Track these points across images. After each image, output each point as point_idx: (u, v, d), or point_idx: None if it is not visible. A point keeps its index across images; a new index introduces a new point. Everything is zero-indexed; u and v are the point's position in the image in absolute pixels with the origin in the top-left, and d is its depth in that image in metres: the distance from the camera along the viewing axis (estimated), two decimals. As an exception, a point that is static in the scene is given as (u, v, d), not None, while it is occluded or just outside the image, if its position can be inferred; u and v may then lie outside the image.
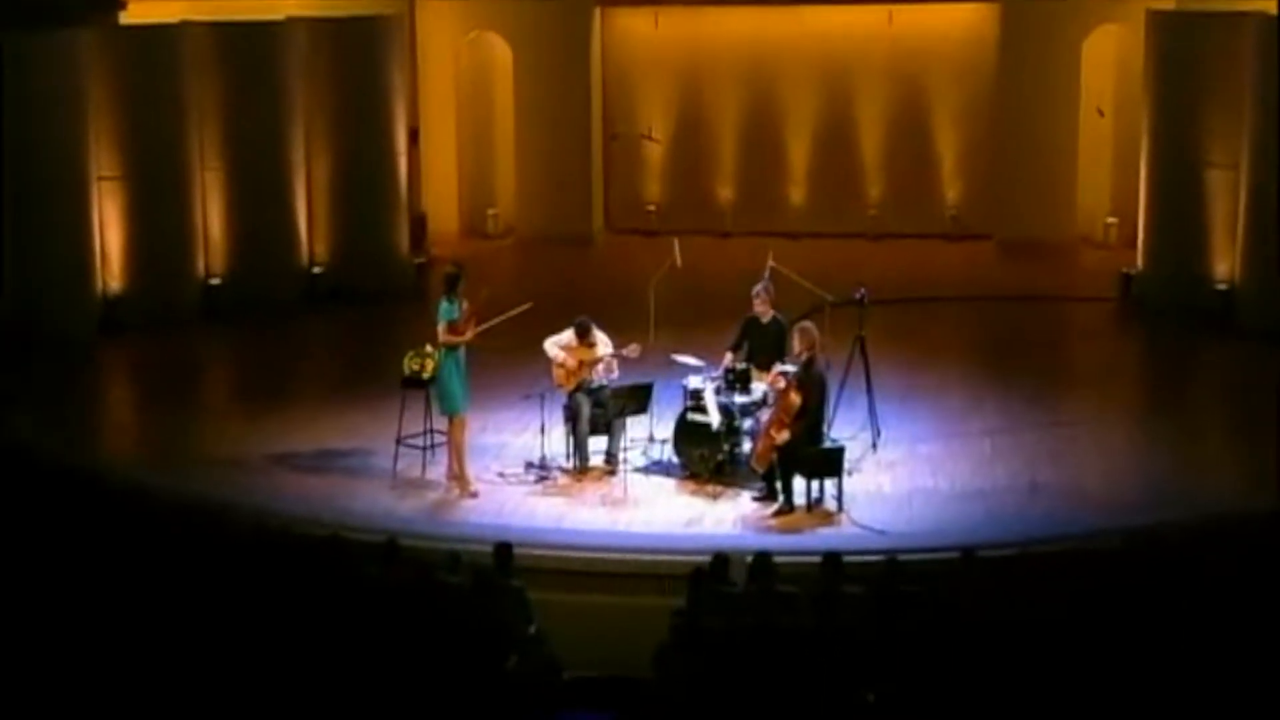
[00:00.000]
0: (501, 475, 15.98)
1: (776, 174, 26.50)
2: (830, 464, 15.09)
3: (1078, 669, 10.71)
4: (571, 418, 16.00)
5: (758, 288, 16.17)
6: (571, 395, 16.00)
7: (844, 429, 16.36)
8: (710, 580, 12.12)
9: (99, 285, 21.14)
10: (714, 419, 15.46)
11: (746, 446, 15.67)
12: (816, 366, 15.11)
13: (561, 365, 16.04)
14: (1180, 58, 21.52)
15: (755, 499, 15.24)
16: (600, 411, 15.96)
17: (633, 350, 15.98)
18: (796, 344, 15.20)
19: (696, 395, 15.75)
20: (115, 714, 10.64)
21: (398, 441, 16.13)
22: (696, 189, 26.69)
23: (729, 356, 16.06)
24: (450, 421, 15.56)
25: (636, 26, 26.58)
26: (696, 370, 16.10)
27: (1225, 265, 21.10)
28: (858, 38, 25.99)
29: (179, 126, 21.61)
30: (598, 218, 26.54)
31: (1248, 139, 20.51)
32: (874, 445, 16.45)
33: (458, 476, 15.59)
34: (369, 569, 12.40)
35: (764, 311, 16.10)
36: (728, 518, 14.97)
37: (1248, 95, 20.46)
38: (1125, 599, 11.73)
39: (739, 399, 15.73)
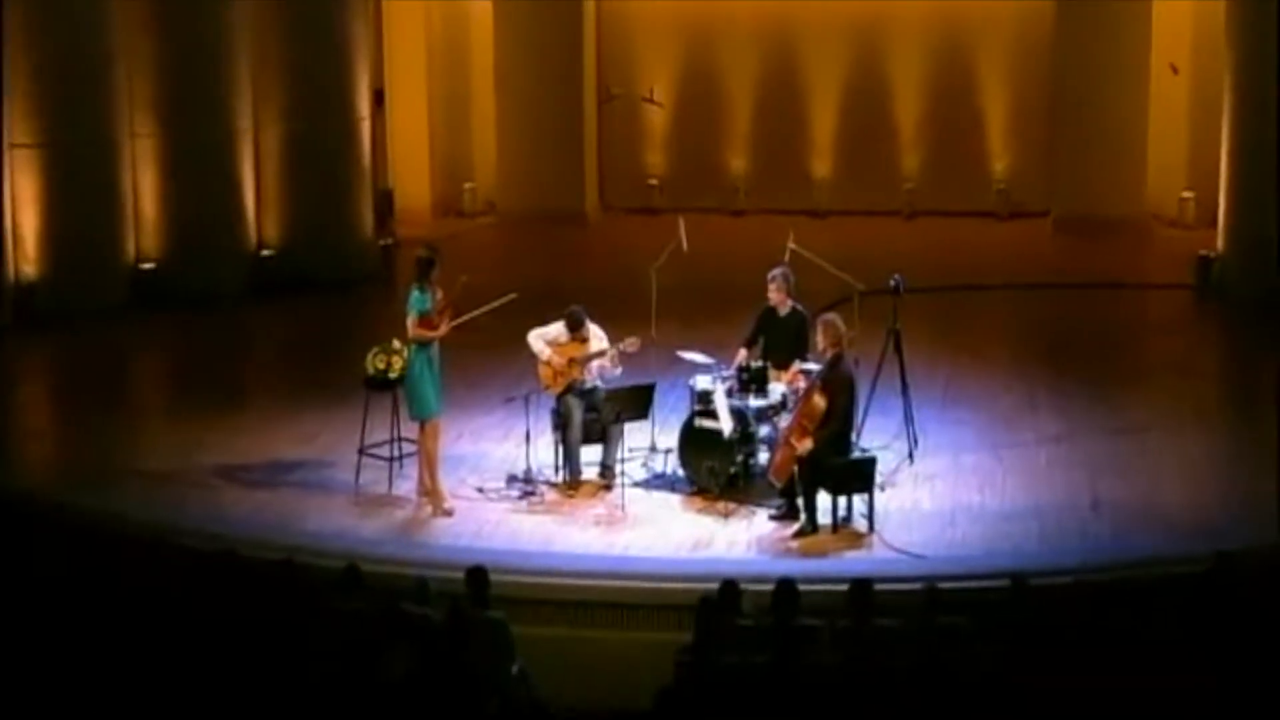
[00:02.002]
0: (480, 490, 16.03)
1: (798, 143, 26.53)
2: (860, 477, 15.14)
3: (1147, 717, 10.76)
4: (561, 424, 16.04)
5: (775, 273, 16.21)
6: (561, 398, 16.05)
7: (876, 437, 16.41)
8: (720, 612, 12.17)
9: (11, 270, 21.17)
10: (725, 425, 15.50)
11: (763, 457, 15.72)
12: (843, 365, 15.14)
13: (549, 363, 16.08)
14: (1269, 6, 21.52)
15: (773, 518, 15.28)
16: (594, 417, 16.00)
17: (631, 345, 16.02)
18: (820, 339, 15.24)
19: (705, 398, 15.79)
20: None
21: (360, 451, 16.18)
22: (705, 160, 26.72)
23: (742, 353, 16.11)
24: (421, 428, 15.60)
25: (636, -29, 26.68)
26: (705, 369, 16.15)
27: (1320, 247, 21.16)
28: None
29: (104, 86, 21.63)
30: (591, 194, 26.58)
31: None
32: (910, 456, 16.50)
33: (430, 491, 15.64)
34: (327, 598, 12.44)
35: (782, 301, 16.14)
36: (741, 539, 15.01)
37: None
38: (1204, 636, 11.76)
39: (754, 402, 15.77)
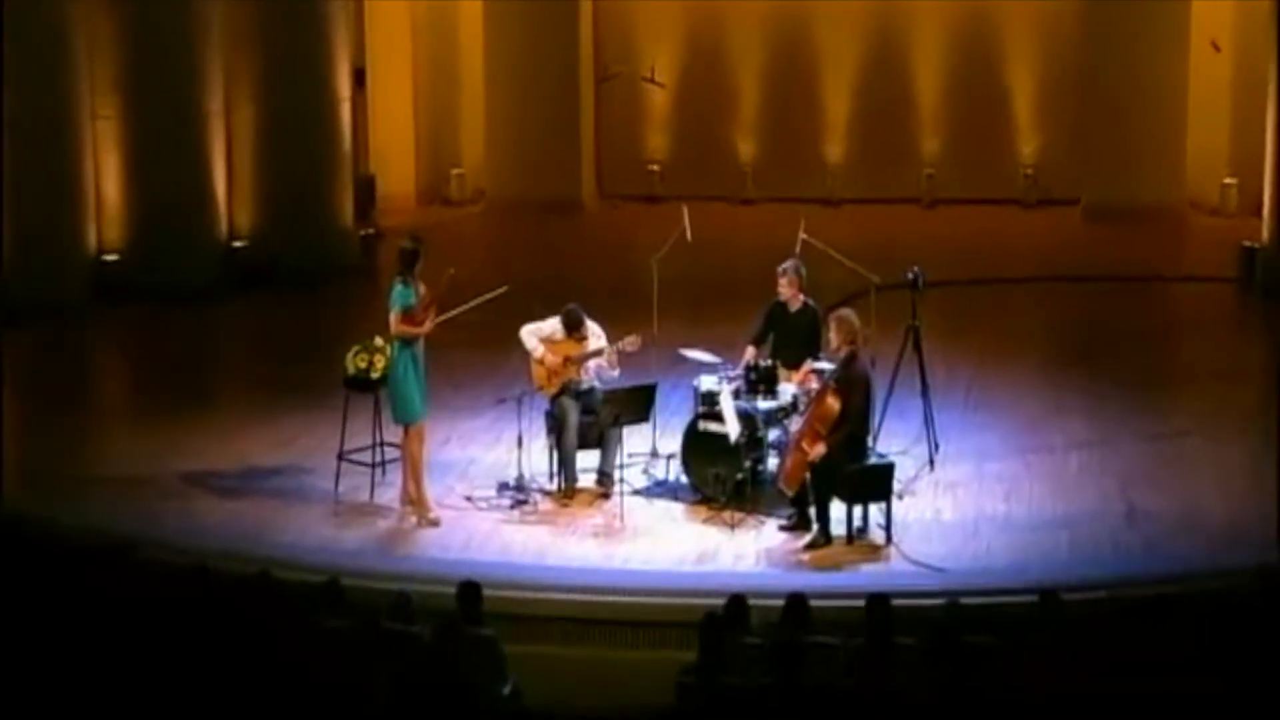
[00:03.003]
0: (469, 499, 16.08)
1: (810, 125, 26.59)
2: (876, 485, 15.19)
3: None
4: (556, 428, 16.09)
5: (785, 266, 16.26)
6: (555, 400, 16.09)
7: (893, 441, 16.48)
8: (726, 629, 12.22)
9: (-35, 263, 21.27)
10: (732, 429, 15.55)
11: (772, 463, 15.78)
12: (858, 364, 15.20)
13: (543, 362, 16.13)
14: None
15: (783, 528, 15.34)
16: (591, 420, 16.04)
17: (631, 343, 16.07)
18: (834, 336, 15.29)
19: (710, 399, 15.85)
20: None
21: (340, 457, 16.23)
22: (710, 144, 26.78)
23: (750, 352, 16.16)
24: (405, 432, 15.65)
25: (636, -59, 26.74)
26: (710, 368, 16.21)
27: (1373, 238, 21.23)
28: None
29: (64, 65, 21.65)
30: (588, 180, 26.64)
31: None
32: (930, 462, 16.56)
33: (414, 500, 15.69)
34: (306, 615, 12.50)
35: (793, 296, 16.20)
36: (749, 551, 15.05)
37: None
38: (1247, 655, 11.80)
39: (763, 404, 15.83)
